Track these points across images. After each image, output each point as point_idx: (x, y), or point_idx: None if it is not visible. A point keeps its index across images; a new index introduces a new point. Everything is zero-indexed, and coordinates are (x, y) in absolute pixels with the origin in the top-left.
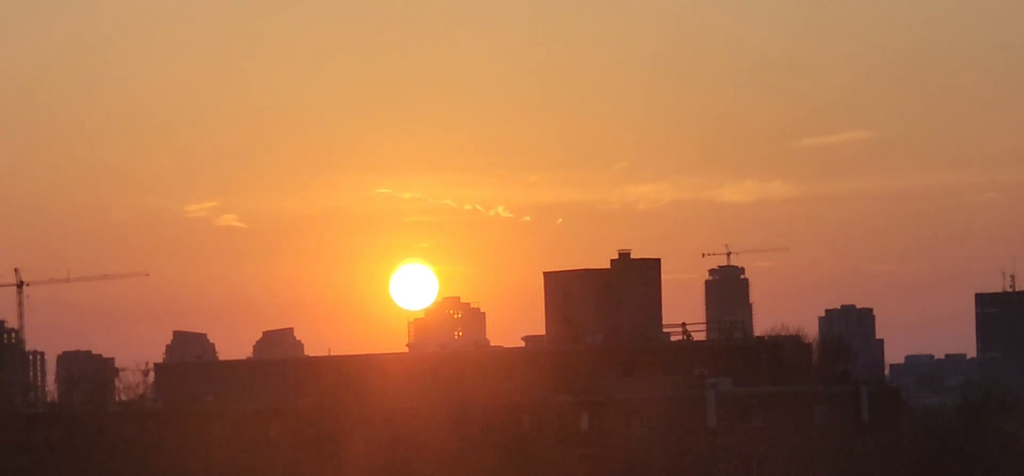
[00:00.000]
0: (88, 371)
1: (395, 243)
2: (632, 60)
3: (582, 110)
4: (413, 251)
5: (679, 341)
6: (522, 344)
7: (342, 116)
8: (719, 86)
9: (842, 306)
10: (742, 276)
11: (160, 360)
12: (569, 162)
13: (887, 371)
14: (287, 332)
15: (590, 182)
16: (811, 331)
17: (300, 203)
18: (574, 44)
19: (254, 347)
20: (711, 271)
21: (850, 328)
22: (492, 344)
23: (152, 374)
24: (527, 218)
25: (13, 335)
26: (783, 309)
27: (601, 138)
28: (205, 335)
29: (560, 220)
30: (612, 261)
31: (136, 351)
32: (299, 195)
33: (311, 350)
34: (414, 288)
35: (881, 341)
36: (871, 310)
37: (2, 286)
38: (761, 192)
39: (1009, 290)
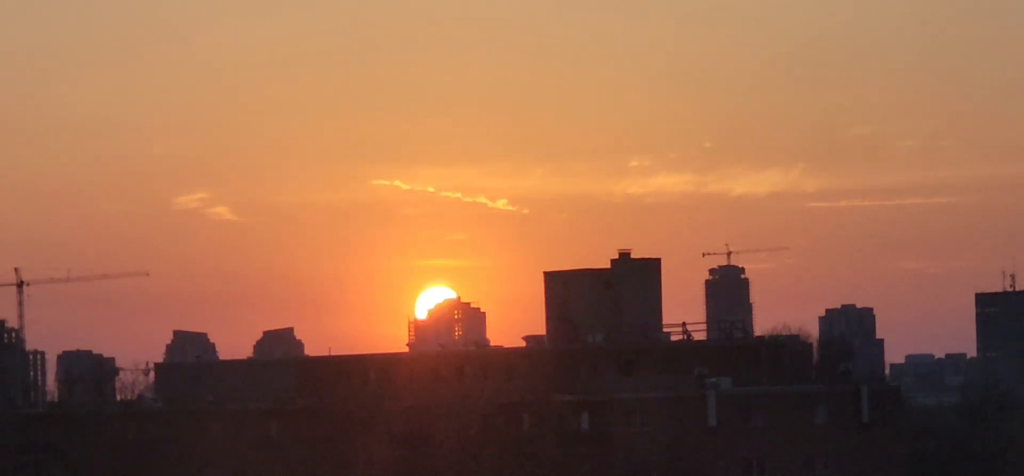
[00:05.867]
0: (88, 371)
1: (395, 238)
2: (641, 55)
3: (593, 103)
4: (413, 247)
5: (679, 341)
6: (522, 344)
7: (340, 107)
8: (727, 81)
9: (842, 306)
10: (742, 276)
11: (160, 360)
12: (578, 155)
13: (887, 371)
14: (287, 332)
15: (598, 176)
16: (811, 331)
17: (296, 196)
18: (584, 35)
19: (254, 347)
20: (711, 271)
21: (850, 328)
22: (492, 344)
23: (152, 374)
24: (525, 211)
25: (13, 335)
26: (783, 309)
27: (612, 132)
28: (205, 335)
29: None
30: (612, 261)
31: (136, 351)
32: (294, 187)
33: (311, 350)
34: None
35: (881, 341)
36: (871, 310)
37: (2, 286)
38: (771, 185)
39: (1009, 290)
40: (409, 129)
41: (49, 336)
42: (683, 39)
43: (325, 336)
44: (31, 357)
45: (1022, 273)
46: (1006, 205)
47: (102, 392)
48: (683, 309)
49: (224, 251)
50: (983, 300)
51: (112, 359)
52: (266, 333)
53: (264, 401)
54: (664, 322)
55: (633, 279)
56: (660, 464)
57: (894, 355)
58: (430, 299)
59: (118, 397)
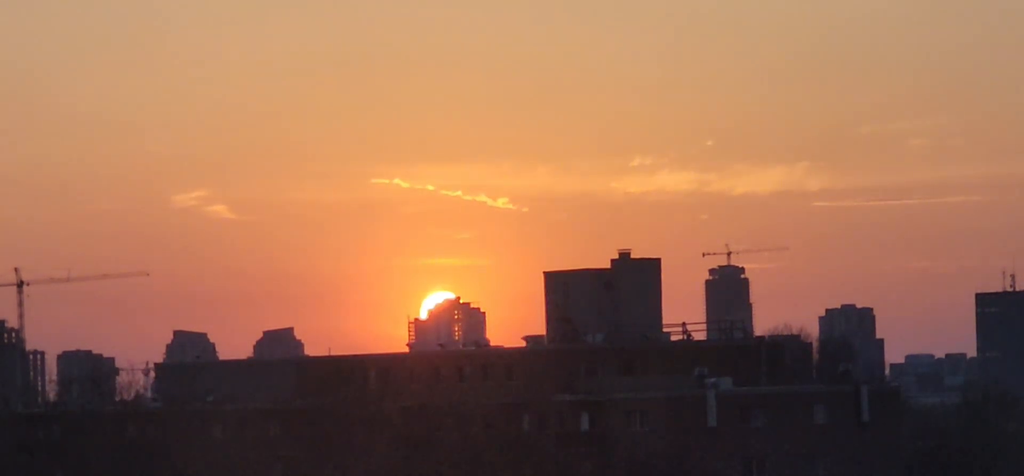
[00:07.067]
0: (88, 371)
1: (395, 237)
2: (643, 53)
3: (595, 102)
4: (414, 246)
5: (679, 341)
6: (522, 344)
7: (339, 104)
8: (730, 79)
9: (842, 306)
10: (742, 276)
11: (160, 360)
12: (580, 154)
13: (887, 371)
14: (287, 332)
15: (599, 174)
16: (811, 331)
17: (295, 194)
18: (585, 33)
19: (254, 347)
20: (711, 271)
21: (850, 328)
22: (492, 344)
23: (152, 374)
24: (525, 209)
25: (13, 335)
26: (783, 309)
27: (614, 131)
28: (205, 335)
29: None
30: (612, 261)
31: (136, 351)
32: (293, 185)
33: (311, 350)
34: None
35: (881, 341)
36: (871, 310)
37: (2, 286)
38: (774, 184)
39: (1009, 290)
40: (409, 127)
41: (49, 336)
42: (685, 37)
43: (325, 336)
44: (31, 357)
45: (1022, 273)
46: (1006, 204)
47: (100, 392)
48: (683, 309)
49: (223, 250)
50: (983, 300)
51: (112, 359)
52: (266, 333)
53: (264, 401)
54: (664, 322)
55: (633, 279)
56: (660, 464)
57: (894, 355)
58: (433, 302)
59: (118, 397)
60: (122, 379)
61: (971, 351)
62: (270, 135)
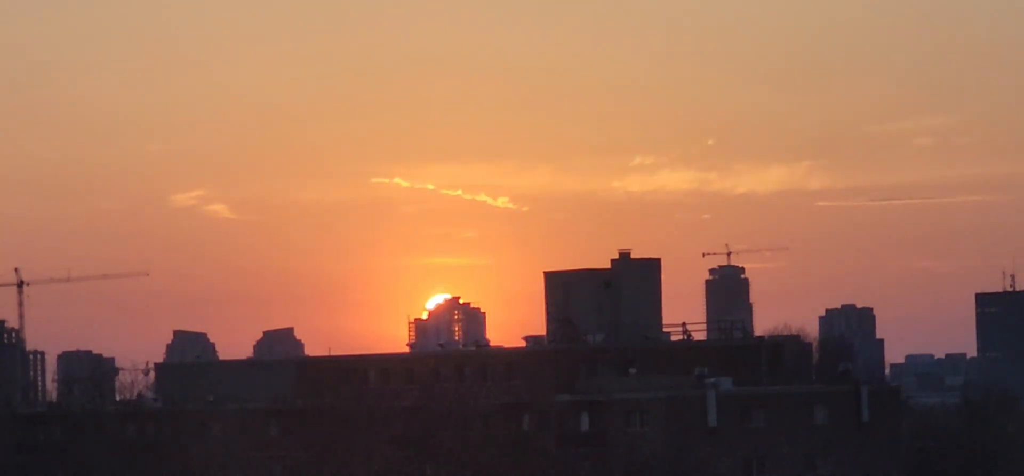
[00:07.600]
0: (88, 371)
1: (395, 237)
2: (644, 52)
3: (595, 100)
4: (414, 245)
5: (679, 341)
6: (522, 344)
7: (339, 104)
8: (732, 78)
9: (842, 306)
10: (742, 276)
11: (160, 360)
12: (580, 153)
13: (887, 371)
14: (287, 332)
15: (600, 173)
16: (811, 331)
17: (294, 193)
18: (585, 31)
19: (254, 347)
20: (711, 271)
21: (850, 328)
22: (492, 344)
23: (152, 374)
24: (526, 209)
25: (13, 335)
26: (783, 309)
27: (615, 130)
28: (205, 335)
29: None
30: (612, 260)
31: (136, 351)
32: (292, 184)
33: (311, 350)
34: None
35: (881, 341)
36: (871, 310)
37: (2, 286)
38: (775, 183)
39: (1009, 290)
40: (409, 127)
41: (49, 336)
42: (686, 37)
43: (325, 336)
44: (31, 357)
45: (1022, 273)
46: (1007, 204)
47: (102, 392)
48: (683, 309)
49: (223, 250)
50: (983, 300)
51: (112, 359)
52: (266, 333)
53: (264, 401)
54: (664, 322)
55: (633, 279)
56: (660, 464)
57: (894, 355)
58: (434, 302)
59: (118, 397)
60: (122, 379)
61: (971, 351)
62: (270, 135)
